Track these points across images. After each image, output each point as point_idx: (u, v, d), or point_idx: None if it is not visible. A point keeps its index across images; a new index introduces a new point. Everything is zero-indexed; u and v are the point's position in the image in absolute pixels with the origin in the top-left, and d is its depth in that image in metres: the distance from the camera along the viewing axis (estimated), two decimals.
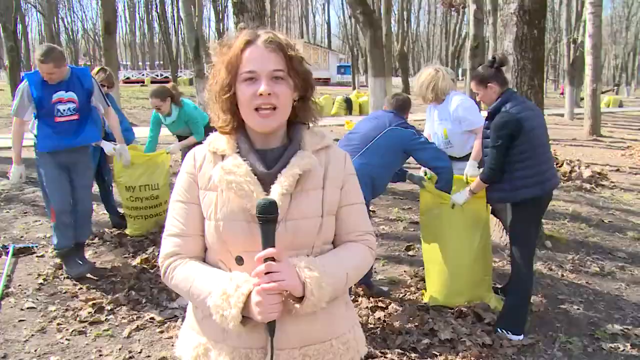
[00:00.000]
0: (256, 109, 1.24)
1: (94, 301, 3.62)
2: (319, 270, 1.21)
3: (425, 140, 3.43)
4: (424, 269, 3.86)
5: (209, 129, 4.93)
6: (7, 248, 4.47)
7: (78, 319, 3.39)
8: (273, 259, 1.16)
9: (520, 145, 3.02)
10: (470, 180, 3.48)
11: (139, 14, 58.81)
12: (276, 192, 1.23)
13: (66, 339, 3.15)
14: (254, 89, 1.23)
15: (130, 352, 3.03)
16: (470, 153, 3.82)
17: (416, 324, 3.26)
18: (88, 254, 4.55)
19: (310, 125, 1.38)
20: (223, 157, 1.30)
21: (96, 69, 5.08)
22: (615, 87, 47.63)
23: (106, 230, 5.16)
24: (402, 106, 3.61)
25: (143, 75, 44.26)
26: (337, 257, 1.32)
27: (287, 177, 1.25)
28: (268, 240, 1.16)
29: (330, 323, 1.33)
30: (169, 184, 5.14)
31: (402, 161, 3.54)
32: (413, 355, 2.96)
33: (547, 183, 3.09)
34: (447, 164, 3.43)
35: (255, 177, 1.25)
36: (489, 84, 3.14)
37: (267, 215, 1.15)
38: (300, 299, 1.20)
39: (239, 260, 1.26)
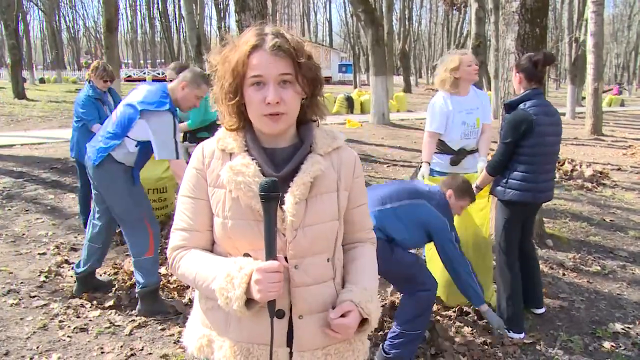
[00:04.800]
0: (264, 115, 1.23)
1: (96, 298, 3.63)
2: (374, 301, 1.31)
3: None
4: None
5: (215, 127, 4.95)
6: None
7: (80, 316, 3.40)
8: None
9: (526, 147, 3.01)
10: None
11: (140, 11, 58.86)
12: (289, 201, 1.23)
13: (68, 336, 3.15)
14: (262, 95, 1.21)
15: (131, 349, 3.03)
16: (476, 148, 3.85)
17: None
18: None
19: (320, 122, 1.38)
20: (231, 154, 1.30)
21: (94, 64, 4.93)
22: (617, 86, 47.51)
23: None
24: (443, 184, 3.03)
25: (144, 73, 44.22)
26: (370, 272, 1.40)
27: (298, 185, 1.24)
28: (269, 218, 1.16)
29: None
30: (175, 187, 5.14)
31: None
32: (415, 353, 2.96)
33: (539, 194, 3.08)
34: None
35: (264, 177, 1.24)
36: (517, 73, 3.12)
37: (270, 193, 1.15)
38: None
39: (247, 257, 1.26)
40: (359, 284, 1.32)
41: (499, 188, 3.13)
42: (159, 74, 43.48)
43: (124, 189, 3.30)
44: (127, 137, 3.21)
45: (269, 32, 1.23)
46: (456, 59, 3.66)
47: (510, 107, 3.11)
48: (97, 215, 3.59)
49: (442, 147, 3.81)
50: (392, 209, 2.79)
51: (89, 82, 4.85)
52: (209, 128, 5.00)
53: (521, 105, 3.04)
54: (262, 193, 1.15)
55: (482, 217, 3.54)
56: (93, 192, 3.56)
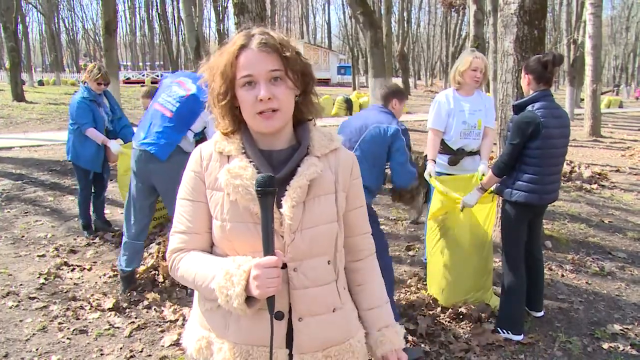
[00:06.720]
0: (258, 113, 1.23)
1: (95, 300, 3.63)
2: (399, 330, 1.45)
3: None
4: (424, 269, 3.86)
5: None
6: None
7: (79, 318, 3.40)
8: None
9: (533, 149, 3.00)
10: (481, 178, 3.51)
11: (139, 14, 58.86)
12: (287, 204, 1.24)
13: (67, 338, 3.16)
14: (254, 94, 1.22)
15: (131, 351, 3.03)
16: (477, 150, 3.87)
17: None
18: (89, 253, 4.57)
19: (317, 121, 1.37)
20: (228, 157, 1.30)
21: (90, 66, 4.88)
22: (616, 88, 47.65)
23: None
24: (385, 96, 3.32)
25: (143, 75, 44.18)
26: (381, 296, 1.47)
27: (295, 188, 1.25)
28: (267, 214, 1.17)
29: (348, 325, 1.37)
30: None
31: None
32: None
33: (545, 195, 3.08)
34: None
35: None
36: (526, 74, 3.13)
37: (266, 188, 1.15)
38: None
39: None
40: (386, 324, 1.44)
41: (506, 189, 3.14)
42: (157, 76, 43.50)
43: None
44: (190, 130, 3.48)
45: (256, 32, 1.25)
46: (467, 61, 3.76)
47: (518, 108, 3.11)
48: (144, 213, 3.71)
49: (442, 147, 3.87)
50: (356, 151, 2.99)
51: (84, 84, 4.76)
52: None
53: (529, 107, 3.03)
54: (259, 188, 1.16)
55: (485, 218, 3.54)
56: (137, 187, 3.64)
